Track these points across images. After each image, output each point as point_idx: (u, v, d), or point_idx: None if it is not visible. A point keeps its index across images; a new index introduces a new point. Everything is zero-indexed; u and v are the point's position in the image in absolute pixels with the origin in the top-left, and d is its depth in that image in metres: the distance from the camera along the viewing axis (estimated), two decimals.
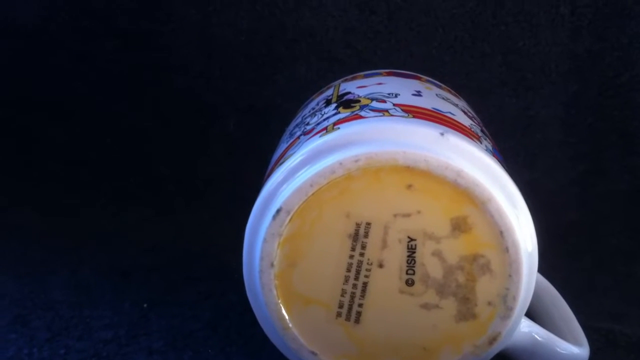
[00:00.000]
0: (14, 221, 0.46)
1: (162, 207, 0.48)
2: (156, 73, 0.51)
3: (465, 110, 0.31)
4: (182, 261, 0.42)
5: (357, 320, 0.27)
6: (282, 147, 0.30)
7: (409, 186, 0.26)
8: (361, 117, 0.27)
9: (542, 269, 0.32)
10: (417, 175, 0.25)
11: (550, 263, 0.32)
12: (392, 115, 0.27)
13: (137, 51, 0.50)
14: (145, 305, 0.36)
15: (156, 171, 0.51)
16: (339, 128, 0.27)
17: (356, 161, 0.26)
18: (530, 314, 0.30)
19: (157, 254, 0.43)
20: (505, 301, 0.26)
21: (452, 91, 0.34)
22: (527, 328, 0.28)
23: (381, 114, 0.28)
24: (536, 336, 0.28)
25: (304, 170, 0.26)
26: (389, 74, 0.33)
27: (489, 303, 0.26)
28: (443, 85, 0.33)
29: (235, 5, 0.49)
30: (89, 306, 0.36)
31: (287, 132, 0.32)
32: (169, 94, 0.51)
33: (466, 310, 0.26)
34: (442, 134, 0.26)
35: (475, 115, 0.32)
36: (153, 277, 0.40)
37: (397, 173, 0.25)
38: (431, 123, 0.27)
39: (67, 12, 0.50)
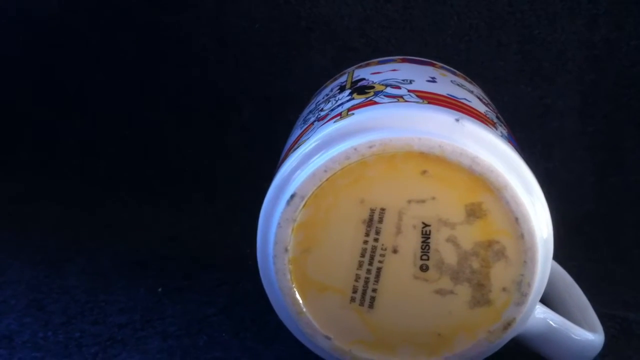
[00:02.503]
0: (33, 212, 0.46)
1: (179, 198, 0.48)
2: (171, 64, 0.51)
3: (481, 97, 0.31)
4: (198, 250, 0.42)
5: (371, 306, 0.27)
6: (296, 133, 0.30)
7: (424, 172, 0.26)
8: (375, 102, 0.27)
9: (558, 258, 0.32)
10: (432, 162, 0.25)
11: (566, 252, 0.32)
12: (406, 101, 0.27)
13: (152, 42, 0.50)
14: (159, 290, 0.36)
15: (172, 162, 0.51)
16: (353, 114, 0.27)
17: (370, 147, 0.25)
18: (545, 301, 0.30)
19: (173, 244, 0.43)
20: (520, 287, 0.26)
21: (467, 78, 0.33)
22: (541, 314, 0.28)
23: (396, 100, 0.27)
24: (551, 322, 0.28)
25: (318, 156, 0.26)
26: (403, 61, 0.33)
27: (504, 289, 0.26)
28: (458, 72, 0.33)
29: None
30: (104, 291, 0.36)
31: (301, 119, 0.32)
32: (184, 84, 0.51)
33: (480, 296, 0.26)
34: (457, 120, 0.26)
35: (490, 102, 0.32)
36: (169, 265, 0.40)
37: (412, 159, 0.25)
38: (446, 109, 0.27)
39: (85, 4, 0.50)
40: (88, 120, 0.52)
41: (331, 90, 0.32)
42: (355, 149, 0.26)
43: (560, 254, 0.30)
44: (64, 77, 0.52)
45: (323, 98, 0.31)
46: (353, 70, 0.33)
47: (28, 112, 0.52)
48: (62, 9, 0.51)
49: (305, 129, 0.29)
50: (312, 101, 0.33)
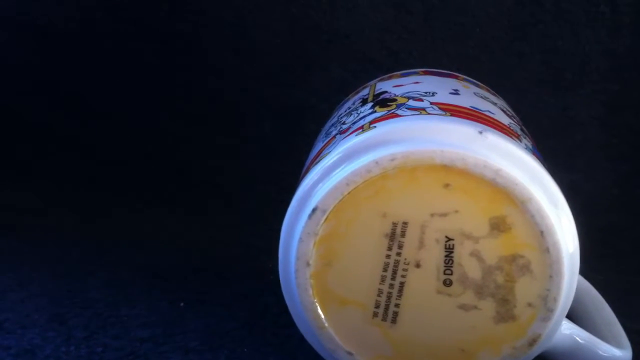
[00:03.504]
0: (53, 224, 0.47)
1: (199, 210, 0.48)
2: (191, 75, 0.51)
3: (504, 109, 0.31)
4: (218, 263, 0.42)
5: (393, 321, 0.27)
6: (318, 146, 0.30)
7: (447, 185, 0.25)
8: (398, 115, 0.27)
9: (583, 271, 0.31)
10: (455, 174, 0.25)
11: (591, 265, 0.31)
12: (429, 113, 0.27)
13: (172, 53, 0.51)
14: (181, 305, 0.36)
15: (192, 174, 0.51)
16: (375, 127, 0.27)
17: (392, 160, 0.25)
18: (571, 316, 0.29)
19: (193, 256, 0.43)
20: (546, 302, 0.26)
21: (491, 90, 0.33)
22: (568, 330, 0.27)
23: (418, 112, 0.27)
24: (577, 338, 0.27)
25: (339, 169, 0.26)
26: (425, 73, 0.33)
27: (529, 304, 0.26)
28: (481, 84, 0.33)
29: (270, 7, 0.49)
30: (125, 305, 0.36)
31: (323, 132, 0.32)
32: (204, 95, 0.51)
33: (505, 311, 0.26)
34: (480, 132, 0.26)
35: (514, 114, 0.32)
36: (189, 278, 0.40)
37: (434, 172, 0.25)
38: (469, 121, 0.26)
39: (102, 15, 0.51)
40: (110, 133, 0.52)
41: (353, 103, 0.32)
42: (376, 162, 0.25)
43: (586, 267, 0.30)
44: (81, 87, 0.52)
45: (345, 111, 0.31)
46: (375, 83, 0.33)
47: (47, 123, 0.53)
48: (80, 21, 0.51)
49: (327, 142, 0.29)
50: (334, 114, 0.33)
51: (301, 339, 0.28)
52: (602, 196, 0.46)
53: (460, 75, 0.33)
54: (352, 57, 0.48)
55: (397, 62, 0.46)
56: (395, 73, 0.33)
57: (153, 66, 0.51)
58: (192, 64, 0.51)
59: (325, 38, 0.48)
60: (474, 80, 0.33)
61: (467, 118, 0.27)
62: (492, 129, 0.26)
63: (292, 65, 0.49)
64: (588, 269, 0.31)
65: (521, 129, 0.30)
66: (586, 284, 0.33)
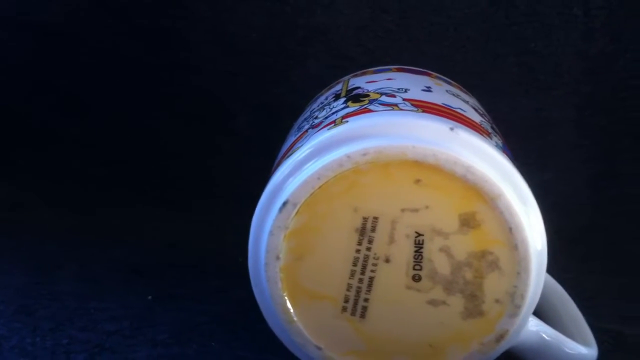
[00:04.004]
0: (28, 218, 0.46)
1: (174, 205, 0.48)
2: (169, 70, 0.51)
3: (476, 107, 0.31)
4: (192, 258, 0.42)
5: (362, 315, 0.27)
6: (290, 140, 0.30)
7: (418, 181, 0.25)
8: (370, 110, 0.27)
9: (552, 271, 0.31)
10: (426, 170, 0.25)
11: (560, 265, 0.32)
12: (401, 109, 0.27)
13: (151, 48, 0.50)
14: (149, 298, 0.36)
15: (168, 169, 0.51)
16: (347, 121, 0.27)
17: (364, 155, 0.25)
18: (539, 314, 0.30)
19: (167, 251, 0.43)
20: (514, 299, 0.26)
21: (463, 88, 0.33)
22: (535, 327, 0.28)
23: (390, 108, 0.27)
24: (544, 335, 0.28)
25: (311, 163, 0.26)
26: (398, 70, 0.33)
27: (497, 301, 0.26)
28: (453, 82, 0.33)
29: (247, 3, 0.48)
30: (95, 298, 0.36)
31: (295, 126, 0.31)
32: (182, 90, 0.51)
33: (473, 307, 0.26)
34: (451, 129, 0.26)
35: (485, 113, 0.32)
36: (162, 273, 0.40)
37: (406, 167, 0.25)
38: (441, 118, 0.26)
39: (87, 10, 0.50)
40: (85, 125, 0.52)
41: (326, 99, 0.32)
42: (348, 157, 0.25)
43: (555, 267, 0.30)
44: (63, 82, 0.52)
45: (318, 106, 0.31)
46: (348, 79, 0.33)
47: (22, 115, 0.52)
48: (66, 16, 0.50)
49: (299, 136, 0.29)
50: (307, 109, 0.33)
51: (271, 334, 0.28)
52: (574, 197, 0.46)
53: (433, 73, 0.33)
54: (328, 54, 0.48)
55: (373, 60, 0.46)
56: (368, 69, 0.33)
57: (132, 61, 0.51)
58: (169, 59, 0.50)
59: (302, 35, 0.48)
60: (447, 79, 0.33)
61: (439, 115, 0.27)
62: (463, 126, 0.26)
63: (268, 62, 0.49)
64: (557, 268, 0.31)
65: (492, 127, 0.30)
66: (554, 283, 0.33)
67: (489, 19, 0.47)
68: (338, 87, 0.32)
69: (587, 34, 0.46)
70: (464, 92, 0.33)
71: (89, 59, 0.51)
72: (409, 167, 0.25)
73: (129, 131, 0.51)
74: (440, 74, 0.34)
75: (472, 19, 0.47)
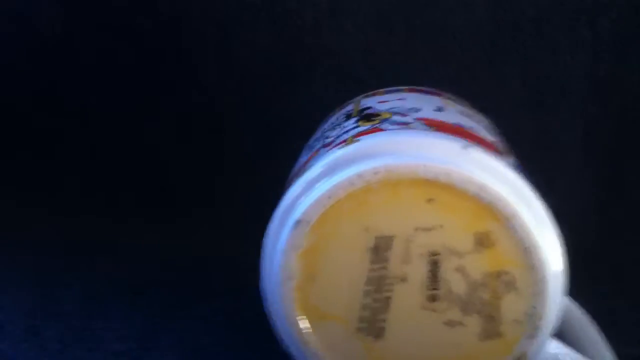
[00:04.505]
0: (32, 234, 0.46)
1: (179, 224, 0.48)
2: (175, 90, 0.51)
3: (488, 128, 0.31)
4: (197, 277, 0.41)
5: (379, 336, 0.26)
6: (302, 160, 0.30)
7: (430, 200, 0.25)
8: (382, 129, 0.27)
9: (569, 293, 0.31)
10: (439, 189, 0.25)
11: (576, 288, 0.31)
12: (413, 128, 0.27)
13: (157, 67, 0.50)
14: (156, 319, 0.36)
15: (173, 189, 0.50)
16: (358, 140, 0.27)
17: (375, 173, 0.25)
18: (558, 337, 0.29)
19: (172, 270, 0.42)
20: (532, 320, 0.26)
21: (475, 109, 0.33)
22: (554, 349, 0.27)
23: (402, 127, 0.27)
24: (563, 358, 0.27)
25: (322, 182, 0.26)
26: (410, 90, 0.33)
27: (515, 321, 0.26)
28: (465, 102, 0.33)
29: (254, 24, 0.49)
30: (101, 318, 0.36)
31: (307, 146, 0.31)
32: (188, 110, 0.51)
33: (491, 328, 0.26)
34: (464, 147, 0.26)
35: (498, 133, 0.32)
36: (167, 292, 0.39)
37: (418, 186, 0.25)
38: (453, 136, 0.26)
39: (89, 24, 0.50)
40: (87, 141, 0.51)
41: (337, 119, 0.31)
42: (359, 175, 0.25)
43: (575, 289, 0.30)
44: (65, 95, 0.52)
45: (329, 126, 0.31)
46: (360, 100, 0.33)
47: (24, 128, 0.52)
48: (66, 32, 0.51)
49: (311, 155, 0.29)
50: (318, 129, 0.33)
51: (279, 355, 0.28)
52: (581, 220, 0.46)
53: (444, 93, 0.33)
54: (336, 75, 0.48)
55: (380, 81, 0.46)
56: (379, 90, 0.33)
57: (137, 79, 0.51)
58: (176, 78, 0.50)
59: (309, 56, 0.48)
60: (459, 99, 0.33)
61: (452, 133, 0.27)
62: (476, 145, 0.26)
63: (275, 83, 0.49)
64: (575, 291, 0.31)
65: (505, 147, 0.30)
66: (573, 306, 0.33)
67: (496, 39, 0.47)
68: (349, 107, 0.32)
69: (595, 55, 0.46)
70: (476, 112, 0.33)
71: (93, 77, 0.51)
72: (421, 186, 0.25)
73: (132, 150, 0.51)
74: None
75: (478, 41, 0.47)
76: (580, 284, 0.39)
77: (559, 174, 0.47)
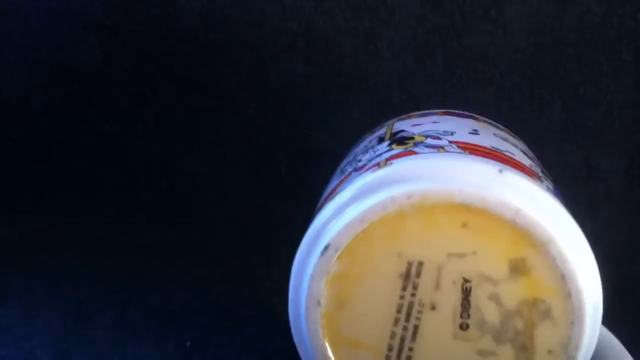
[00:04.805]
0: (63, 262, 0.46)
1: (212, 250, 0.48)
2: (211, 116, 0.51)
3: (525, 151, 0.30)
4: (229, 305, 0.41)
5: None
6: (333, 183, 0.29)
7: (465, 225, 0.24)
8: (415, 153, 0.27)
9: (607, 324, 0.30)
10: (473, 214, 0.24)
11: (615, 318, 0.30)
12: (447, 151, 0.26)
13: (193, 95, 0.51)
14: (188, 344, 0.35)
15: (207, 214, 0.50)
16: (391, 163, 0.26)
17: (409, 197, 0.25)
18: None
19: (204, 297, 0.42)
20: (567, 350, 0.25)
21: (511, 132, 0.33)
22: None
23: (436, 150, 0.27)
24: None
25: (354, 206, 0.25)
26: (444, 114, 0.32)
27: (549, 352, 0.25)
28: (501, 126, 0.32)
29: (289, 51, 0.49)
30: (132, 344, 0.35)
31: (338, 170, 0.31)
32: (223, 137, 0.51)
33: (524, 358, 0.25)
34: (500, 171, 0.25)
35: (535, 157, 0.31)
36: (199, 320, 0.39)
37: (452, 211, 0.24)
38: (489, 160, 0.26)
39: (127, 57, 0.51)
40: (125, 171, 0.52)
41: (370, 142, 0.31)
42: (393, 199, 0.25)
43: (610, 319, 0.28)
44: (103, 127, 0.52)
45: (361, 149, 0.31)
46: (393, 123, 0.32)
47: (63, 159, 0.53)
48: (105, 62, 0.51)
49: (342, 179, 0.28)
50: (350, 152, 0.32)
51: None
52: (626, 248, 0.45)
53: (479, 117, 0.32)
54: (371, 100, 0.48)
55: (416, 106, 0.46)
56: (413, 113, 0.33)
57: (174, 107, 0.51)
58: (210, 105, 0.51)
59: (345, 82, 0.48)
60: (494, 122, 0.33)
61: (487, 157, 0.26)
62: (512, 168, 0.25)
63: (310, 109, 0.49)
64: (613, 322, 0.30)
65: (542, 171, 0.29)
66: (610, 336, 0.32)
67: (535, 65, 0.46)
68: (382, 131, 0.32)
69: (638, 80, 0.45)
70: (512, 135, 0.32)
71: (124, 103, 0.51)
72: (455, 211, 0.24)
73: (168, 176, 0.51)
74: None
75: (517, 66, 0.46)
76: (622, 312, 0.38)
77: (603, 201, 0.46)
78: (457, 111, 0.33)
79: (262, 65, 0.49)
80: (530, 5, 0.45)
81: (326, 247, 0.25)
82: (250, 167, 0.50)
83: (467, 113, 0.33)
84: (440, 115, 0.32)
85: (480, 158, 0.26)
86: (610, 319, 0.29)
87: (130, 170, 0.52)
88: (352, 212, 0.25)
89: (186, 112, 0.51)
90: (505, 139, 0.30)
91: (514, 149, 0.29)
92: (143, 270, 0.45)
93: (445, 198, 0.24)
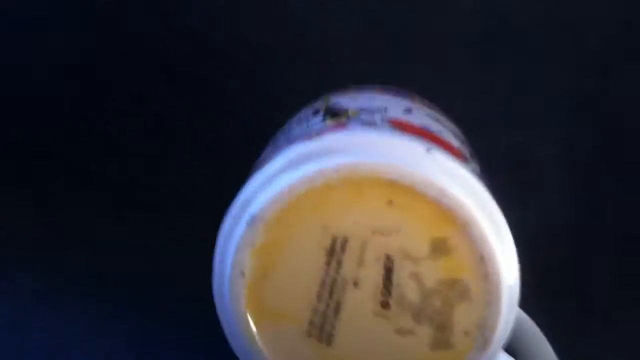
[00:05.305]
0: (64, 260, 0.45)
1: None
2: (207, 116, 0.50)
3: (455, 133, 0.30)
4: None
5: (328, 342, 0.26)
6: (264, 154, 0.29)
7: (390, 202, 0.24)
8: (346, 127, 0.26)
9: (526, 309, 0.31)
10: (400, 191, 0.24)
11: (534, 303, 0.31)
12: (378, 128, 0.26)
13: (189, 94, 0.50)
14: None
15: (207, 214, 0.49)
16: (322, 136, 0.26)
17: (337, 171, 0.24)
18: (510, 352, 0.29)
19: (204, 297, 0.40)
20: (483, 331, 0.25)
21: (444, 113, 0.33)
22: None
23: (368, 126, 0.26)
24: None
25: (281, 177, 0.25)
26: (381, 90, 0.32)
27: (466, 332, 0.25)
28: (435, 107, 0.33)
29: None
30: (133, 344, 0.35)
31: (272, 139, 0.31)
32: (223, 137, 0.50)
33: (442, 338, 0.25)
34: (428, 150, 0.25)
35: (465, 140, 0.31)
36: (199, 320, 0.38)
37: (379, 187, 0.24)
38: (418, 138, 0.26)
39: (122, 53, 0.50)
40: (124, 170, 0.51)
41: (305, 114, 0.31)
42: (320, 172, 0.24)
43: (529, 305, 0.29)
44: (99, 124, 0.51)
45: (296, 120, 0.31)
46: (329, 96, 0.32)
47: (62, 159, 0.51)
48: (101, 60, 0.50)
49: (273, 149, 0.28)
50: (286, 123, 0.32)
51: (231, 354, 0.27)
52: (553, 235, 0.46)
53: (416, 95, 0.33)
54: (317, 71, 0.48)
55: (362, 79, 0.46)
56: (351, 87, 0.33)
57: (170, 106, 0.50)
58: (210, 104, 0.50)
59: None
60: (429, 102, 0.33)
61: (416, 135, 0.26)
62: (440, 148, 0.25)
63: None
64: (531, 307, 0.30)
65: (470, 154, 0.29)
66: (527, 319, 0.32)
67: (483, 47, 0.46)
68: (318, 103, 0.32)
69: (577, 70, 0.45)
70: (444, 117, 0.32)
71: (124, 102, 0.50)
72: (382, 187, 0.24)
73: (166, 176, 0.50)
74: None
75: (464, 45, 0.46)
76: (546, 298, 0.39)
77: (534, 188, 0.47)
78: (394, 88, 0.33)
79: (261, 65, 0.48)
80: None
81: (252, 218, 0.25)
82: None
83: (404, 91, 0.33)
84: (378, 91, 0.32)
85: (409, 136, 0.26)
86: (530, 304, 0.30)
87: (130, 170, 0.51)
88: (279, 183, 0.25)
89: (183, 112, 0.50)
90: (437, 120, 0.30)
91: (445, 130, 0.29)
92: (143, 270, 0.44)
93: (372, 173, 0.24)
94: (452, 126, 0.31)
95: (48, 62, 0.50)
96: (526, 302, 0.27)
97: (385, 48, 0.47)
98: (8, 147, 0.51)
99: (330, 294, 0.25)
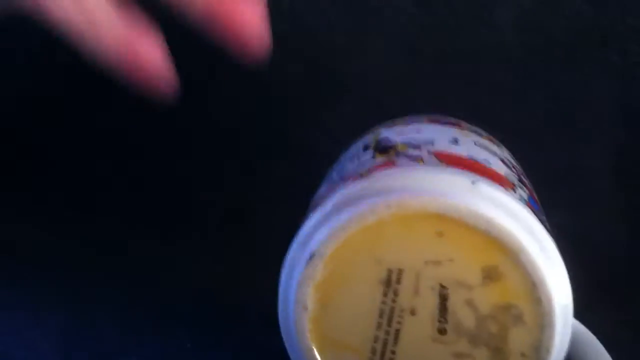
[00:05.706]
0: (64, 261, 0.46)
1: (212, 250, 0.49)
2: (210, 116, 0.52)
3: (504, 159, 0.31)
4: (230, 305, 0.42)
5: None
6: (321, 191, 0.31)
7: (440, 234, 0.26)
8: (395, 164, 0.28)
9: (587, 322, 0.31)
10: (448, 223, 0.26)
11: (597, 316, 0.31)
12: (425, 162, 0.28)
13: (188, 95, 0.51)
14: (188, 346, 0.37)
15: (207, 214, 0.51)
16: (373, 174, 0.27)
17: (388, 207, 0.26)
18: None
19: (204, 297, 0.43)
20: (539, 353, 0.26)
21: (494, 140, 0.34)
22: None
23: (415, 161, 0.28)
24: None
25: (337, 215, 0.27)
26: (428, 121, 0.33)
27: (522, 355, 0.26)
28: (484, 134, 0.33)
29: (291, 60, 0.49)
30: (133, 344, 0.36)
31: (328, 176, 0.32)
32: (223, 137, 0.52)
33: None
34: (473, 182, 0.26)
35: (515, 165, 0.32)
36: (199, 320, 0.40)
37: (428, 220, 0.26)
38: (463, 171, 0.27)
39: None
40: (124, 170, 0.52)
41: (356, 149, 0.32)
42: (372, 210, 0.26)
43: (591, 317, 0.30)
44: (103, 126, 0.53)
45: (349, 157, 0.32)
46: (379, 130, 0.34)
47: (62, 159, 0.53)
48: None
49: (329, 187, 0.30)
50: (340, 158, 0.34)
51: None
52: (609, 249, 0.46)
53: (463, 123, 0.34)
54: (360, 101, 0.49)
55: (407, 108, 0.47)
56: (398, 119, 0.34)
57: (171, 106, 0.52)
58: (210, 104, 0.51)
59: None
60: (477, 129, 0.34)
61: (463, 168, 0.27)
62: (485, 179, 0.27)
63: (304, 106, 0.50)
64: (593, 319, 0.31)
65: (519, 179, 0.30)
66: (587, 333, 0.33)
67: (525, 65, 0.47)
68: (368, 138, 0.33)
69: (625, 80, 0.45)
70: (493, 143, 0.33)
71: (124, 102, 0.52)
72: (431, 220, 0.26)
73: (166, 176, 0.52)
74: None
75: (506, 65, 0.47)
76: (608, 310, 0.39)
77: (589, 200, 0.47)
78: (442, 118, 0.34)
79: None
80: (522, 7, 0.46)
81: (311, 255, 0.27)
82: (250, 167, 0.51)
83: (452, 120, 0.34)
84: (425, 123, 0.33)
85: (455, 169, 0.27)
86: (592, 317, 0.30)
87: (130, 170, 0.53)
88: (335, 221, 0.26)
89: (181, 114, 0.51)
90: (485, 147, 0.31)
91: (493, 157, 0.30)
92: (142, 270, 0.46)
93: (420, 208, 0.26)
94: (499, 150, 0.32)
95: (49, 63, 0.52)
96: (587, 314, 0.27)
97: (431, 72, 0.48)
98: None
99: (389, 322, 0.27)
